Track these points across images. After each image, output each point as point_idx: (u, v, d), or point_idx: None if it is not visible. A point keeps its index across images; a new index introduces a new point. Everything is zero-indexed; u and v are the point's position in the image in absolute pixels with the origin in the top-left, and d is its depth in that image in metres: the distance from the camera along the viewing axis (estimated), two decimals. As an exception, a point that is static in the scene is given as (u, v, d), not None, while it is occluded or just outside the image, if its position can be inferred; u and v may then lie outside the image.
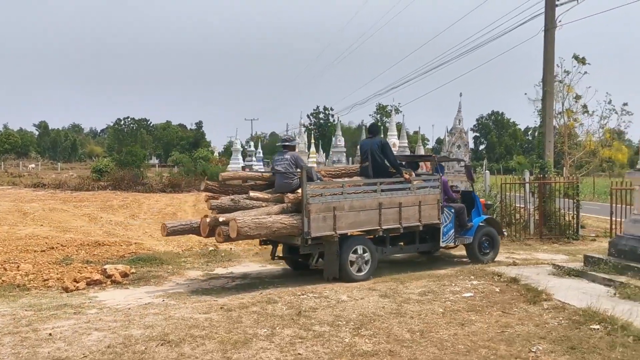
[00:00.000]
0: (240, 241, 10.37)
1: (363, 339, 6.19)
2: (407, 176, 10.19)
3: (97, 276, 9.79)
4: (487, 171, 20.12)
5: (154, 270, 10.91)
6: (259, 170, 57.48)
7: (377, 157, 10.11)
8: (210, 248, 13.05)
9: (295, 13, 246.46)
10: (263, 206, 9.37)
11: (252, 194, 9.60)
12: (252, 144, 67.36)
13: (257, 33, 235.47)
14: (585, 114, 21.82)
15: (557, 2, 15.75)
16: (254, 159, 61.51)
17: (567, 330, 6.35)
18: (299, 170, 9.51)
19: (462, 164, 14.90)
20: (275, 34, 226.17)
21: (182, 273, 10.77)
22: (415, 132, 46.43)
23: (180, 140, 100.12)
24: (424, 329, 6.50)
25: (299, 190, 9.10)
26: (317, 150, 39.41)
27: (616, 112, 21.40)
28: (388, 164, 10.16)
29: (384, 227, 9.79)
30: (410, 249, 10.91)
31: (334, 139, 32.20)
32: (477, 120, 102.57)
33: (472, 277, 9.05)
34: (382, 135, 10.66)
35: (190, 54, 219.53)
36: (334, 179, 10.18)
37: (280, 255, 10.58)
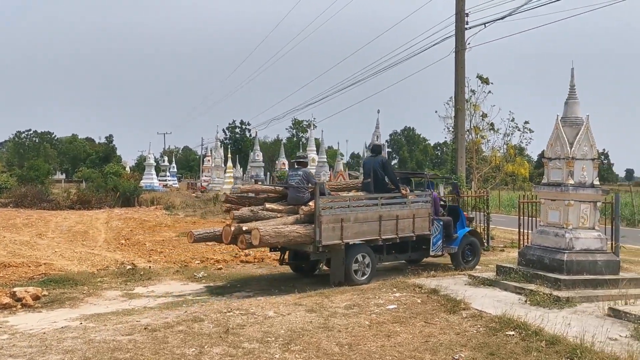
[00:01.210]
0: (147, 262, 10.19)
1: (293, 354, 6.23)
2: (404, 192, 11.18)
3: (5, 300, 9.22)
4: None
5: (68, 291, 10.40)
6: (174, 185, 56.24)
7: (378, 174, 11.12)
8: (128, 267, 12.61)
9: (211, 27, 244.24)
10: (278, 217, 10.26)
11: (267, 205, 10.47)
12: (165, 158, 65.75)
13: (170, 45, 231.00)
14: (491, 131, 23.19)
15: (466, 26, 16.66)
16: (168, 173, 60.11)
17: (486, 337, 6.69)
18: (310, 184, 10.62)
19: (449, 180, 16.20)
20: (189, 46, 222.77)
21: (99, 294, 10.33)
22: (330, 147, 47.16)
23: (88, 154, 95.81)
24: (352, 342, 6.63)
25: (311, 203, 10.07)
26: (234, 165, 39.04)
27: (519, 130, 22.90)
28: (388, 181, 11.16)
29: (383, 237, 10.80)
30: (403, 257, 11.97)
31: (251, 153, 32.12)
32: (391, 135, 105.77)
33: (395, 289, 9.32)
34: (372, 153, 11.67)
35: (98, 64, 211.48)
36: (339, 193, 11.29)
37: (287, 261, 11.61)
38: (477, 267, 12.60)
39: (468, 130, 21.83)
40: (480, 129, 23.18)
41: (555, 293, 8.43)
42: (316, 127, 45.07)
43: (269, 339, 6.77)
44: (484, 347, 6.34)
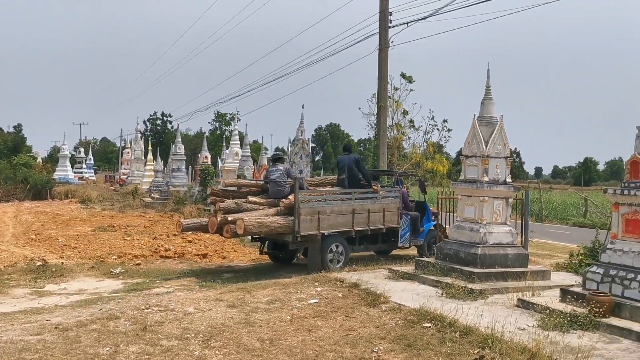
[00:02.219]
0: (69, 258, 9.75)
1: (213, 351, 6.14)
2: (375, 188, 12.09)
3: None
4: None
5: (-29, 290, 9.74)
6: (90, 177, 53.93)
7: (352, 171, 12.03)
8: (38, 263, 11.96)
9: (133, 15, 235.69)
10: (260, 209, 11.01)
11: (250, 198, 11.19)
12: (81, 150, 62.84)
13: (87, 31, 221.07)
14: (412, 129, 23.79)
15: (389, 25, 16.98)
16: (84, 165, 57.50)
17: (404, 329, 6.87)
18: (289, 179, 11.29)
19: (416, 178, 17.67)
20: (109, 34, 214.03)
21: (5, 292, 9.74)
22: (255, 141, 46.80)
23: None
24: (274, 337, 6.62)
25: (290, 197, 10.81)
26: (155, 158, 37.92)
27: (438, 128, 23.60)
28: (361, 177, 12.05)
29: (356, 229, 11.63)
30: (374, 248, 12.80)
31: (173, 146, 31.25)
32: (316, 130, 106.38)
33: (317, 283, 9.39)
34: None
35: (5, 51, 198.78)
36: (316, 188, 12.10)
37: (266, 250, 12.35)
38: (396, 261, 12.91)
39: (390, 127, 22.29)
40: (402, 126, 23.71)
41: (470, 285, 8.77)
42: (240, 120, 44.65)
43: (188, 335, 6.63)
44: (402, 339, 6.50)
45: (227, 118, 75.31)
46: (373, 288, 8.79)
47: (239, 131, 25.97)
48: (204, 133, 42.17)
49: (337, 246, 11.33)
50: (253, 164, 22.01)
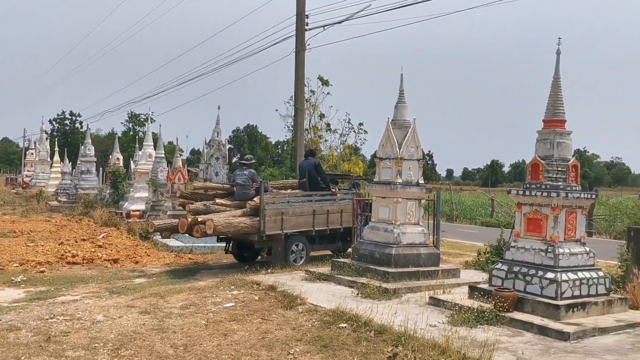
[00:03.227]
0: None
1: (123, 360, 5.90)
2: (334, 190, 12.91)
3: None
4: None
5: None
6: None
7: (312, 175, 12.83)
8: None
9: (39, 10, 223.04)
10: (227, 210, 11.63)
11: (218, 200, 11.88)
12: (-21, 150, 58.78)
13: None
14: (329, 131, 24.07)
15: (306, 28, 17.09)
16: (-19, 167, 53.74)
17: (320, 330, 6.91)
18: (255, 183, 12.05)
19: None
20: (13, 28, 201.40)
21: None
22: (170, 142, 45.61)
23: None
24: (188, 343, 6.46)
25: (256, 199, 11.54)
26: (62, 159, 36.07)
27: (354, 131, 24.02)
28: (320, 181, 12.86)
29: (316, 229, 12.32)
30: (332, 247, 13.36)
31: (82, 147, 29.87)
32: (233, 132, 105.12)
33: (233, 287, 9.26)
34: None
35: None
36: (280, 191, 12.88)
37: (230, 250, 12.94)
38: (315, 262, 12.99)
39: (307, 130, 22.45)
40: (319, 128, 23.95)
41: (384, 285, 8.97)
42: (154, 121, 43.36)
43: (96, 345, 6.35)
44: (318, 340, 6.54)
45: (141, 119, 72.89)
46: (290, 290, 8.79)
47: (152, 132, 25.09)
48: (116, 134, 40.49)
49: (298, 245, 12.09)
50: (167, 166, 21.39)
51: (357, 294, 8.77)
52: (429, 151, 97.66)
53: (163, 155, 22.80)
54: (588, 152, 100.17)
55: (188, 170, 25.29)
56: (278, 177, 22.03)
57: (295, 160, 17.71)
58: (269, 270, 10.79)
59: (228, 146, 17.44)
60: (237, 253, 13.04)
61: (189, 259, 13.61)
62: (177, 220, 11.66)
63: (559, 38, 8.17)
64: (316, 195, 12.56)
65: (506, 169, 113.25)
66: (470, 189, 70.06)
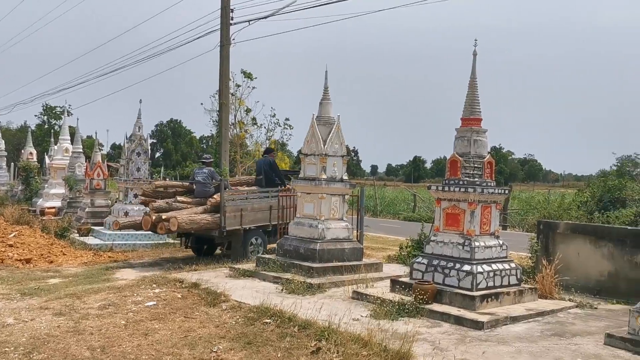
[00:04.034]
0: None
1: (36, 365, 5.63)
2: (288, 187, 13.16)
3: None
4: (165, 178, 20.25)
5: None
6: None
7: (268, 172, 13.34)
8: None
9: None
10: (188, 207, 12.01)
11: (179, 198, 12.23)
12: None
13: None
14: (255, 126, 23.90)
15: (231, 22, 16.87)
16: None
17: (244, 327, 6.87)
18: (214, 181, 12.65)
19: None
20: None
21: None
22: (90, 137, 43.83)
23: None
24: (106, 344, 6.25)
25: (215, 196, 12.00)
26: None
27: (280, 126, 23.99)
28: (276, 177, 13.37)
29: (273, 223, 12.68)
30: None
31: (-9, 141, 28.22)
32: (156, 126, 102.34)
33: (155, 285, 9.04)
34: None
35: None
36: (238, 188, 13.22)
37: (189, 245, 13.13)
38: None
39: (232, 124, 22.19)
40: (245, 123, 23.73)
41: (309, 280, 9.03)
42: (72, 114, 41.46)
43: (7, 349, 6.02)
44: (242, 337, 6.50)
45: (57, 111, 69.52)
46: (213, 287, 8.69)
47: (69, 126, 24.05)
48: (29, 127, 38.42)
49: (256, 239, 12.57)
50: (86, 161, 20.53)
51: (282, 290, 8.78)
52: (354, 147, 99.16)
53: (81, 150, 21.90)
54: (503, 149, 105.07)
55: (108, 165, 24.39)
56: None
57: (220, 156, 17.45)
58: (192, 268, 10.62)
59: (150, 141, 16.97)
60: (195, 248, 13.33)
61: (109, 257, 13.14)
62: (141, 217, 11.99)
63: (475, 40, 8.52)
64: (272, 191, 12.96)
65: (428, 165, 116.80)
66: (394, 185, 71.76)
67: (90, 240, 14.73)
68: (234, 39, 16.91)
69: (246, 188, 13.46)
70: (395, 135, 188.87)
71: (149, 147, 15.44)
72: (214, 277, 9.70)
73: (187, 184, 13.26)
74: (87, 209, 17.58)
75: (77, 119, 24.88)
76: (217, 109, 19.88)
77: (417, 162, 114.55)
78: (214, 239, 12.40)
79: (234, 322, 7.09)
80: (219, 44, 16.83)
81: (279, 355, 5.96)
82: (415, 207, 30.97)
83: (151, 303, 7.97)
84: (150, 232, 13.61)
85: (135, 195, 14.66)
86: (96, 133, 41.34)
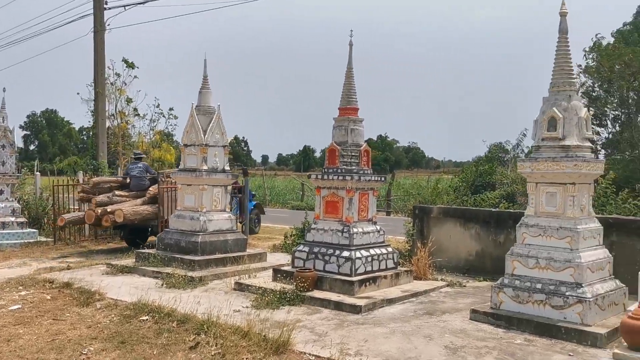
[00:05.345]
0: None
1: None
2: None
3: None
4: (38, 173, 18.94)
5: None
6: None
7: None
8: None
9: None
10: (127, 200, 12.30)
11: (117, 192, 12.56)
12: None
13: None
14: (137, 117, 22.95)
15: (105, 6, 16.02)
16: None
17: (119, 326, 6.59)
18: (149, 174, 13.15)
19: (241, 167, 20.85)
20: None
21: None
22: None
23: None
24: (-39, 355, 5.73)
25: (151, 188, 12.38)
26: None
27: (164, 116, 23.21)
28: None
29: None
30: None
31: None
32: (29, 117, 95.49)
33: (21, 287, 8.43)
34: None
35: None
36: (170, 179, 12.64)
37: (122, 235, 13.38)
38: (118, 254, 12.36)
39: (113, 115, 21.19)
40: (126, 114, 22.73)
41: (190, 274, 8.85)
42: None
43: None
44: (115, 336, 6.23)
45: None
46: (87, 286, 8.26)
47: None
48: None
49: None
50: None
51: (162, 285, 8.54)
52: (244, 137, 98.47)
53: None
54: (389, 137, 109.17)
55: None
56: (82, 166, 20.46)
57: (97, 148, 16.58)
58: (65, 267, 10.02)
59: (23, 133, 15.76)
60: (129, 239, 13.22)
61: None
62: (84, 212, 12.28)
63: (351, 30, 8.71)
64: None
65: (318, 154, 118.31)
66: (284, 174, 72.15)
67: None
68: (109, 25, 16.11)
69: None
70: (287, 125, 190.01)
71: (15, 139, 14.30)
72: (89, 275, 9.23)
73: (121, 179, 13.62)
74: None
75: None
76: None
77: (307, 151, 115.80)
78: (150, 229, 12.75)
79: (108, 322, 6.78)
80: (93, 29, 15.94)
81: (155, 353, 5.78)
82: (303, 196, 31.35)
83: (16, 307, 7.42)
84: (18, 231, 13.38)
85: (1, 192, 13.54)
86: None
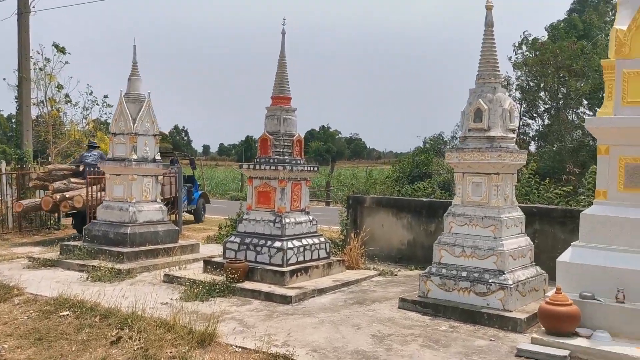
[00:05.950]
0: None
1: None
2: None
3: None
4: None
5: None
6: None
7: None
8: None
9: None
10: (83, 188, 11.93)
11: (73, 179, 12.60)
12: None
13: None
14: (69, 104, 22.05)
15: (30, -13, 15.25)
16: None
17: (37, 322, 6.31)
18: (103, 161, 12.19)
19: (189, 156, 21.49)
20: None
21: None
22: None
23: None
24: None
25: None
26: None
27: (97, 104, 22.40)
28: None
29: (166, 197, 12.77)
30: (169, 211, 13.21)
31: None
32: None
33: None
34: None
35: None
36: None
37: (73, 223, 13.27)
38: (41, 248, 11.84)
39: (42, 102, 20.27)
40: (57, 101, 21.80)
41: (118, 266, 8.57)
42: None
43: None
44: (33, 333, 5.97)
45: None
46: (6, 280, 7.87)
47: None
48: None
49: None
50: None
51: (87, 278, 8.23)
52: (184, 127, 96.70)
53: None
54: (331, 128, 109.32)
55: None
56: (11, 155, 19.49)
57: (21, 136, 15.81)
58: (-16, 261, 9.52)
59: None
60: (79, 227, 12.84)
61: None
62: (40, 199, 12.40)
63: (284, 19, 8.61)
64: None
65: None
66: (226, 165, 71.35)
67: None
68: (33, 7, 15.34)
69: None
70: (228, 115, 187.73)
71: None
72: (8, 269, 8.80)
73: (74, 167, 13.74)
74: None
75: None
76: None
77: (249, 141, 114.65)
78: None
79: (26, 318, 6.48)
80: (17, 11, 15.14)
81: (73, 349, 5.57)
82: (242, 187, 31.04)
83: None
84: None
85: None
86: None
